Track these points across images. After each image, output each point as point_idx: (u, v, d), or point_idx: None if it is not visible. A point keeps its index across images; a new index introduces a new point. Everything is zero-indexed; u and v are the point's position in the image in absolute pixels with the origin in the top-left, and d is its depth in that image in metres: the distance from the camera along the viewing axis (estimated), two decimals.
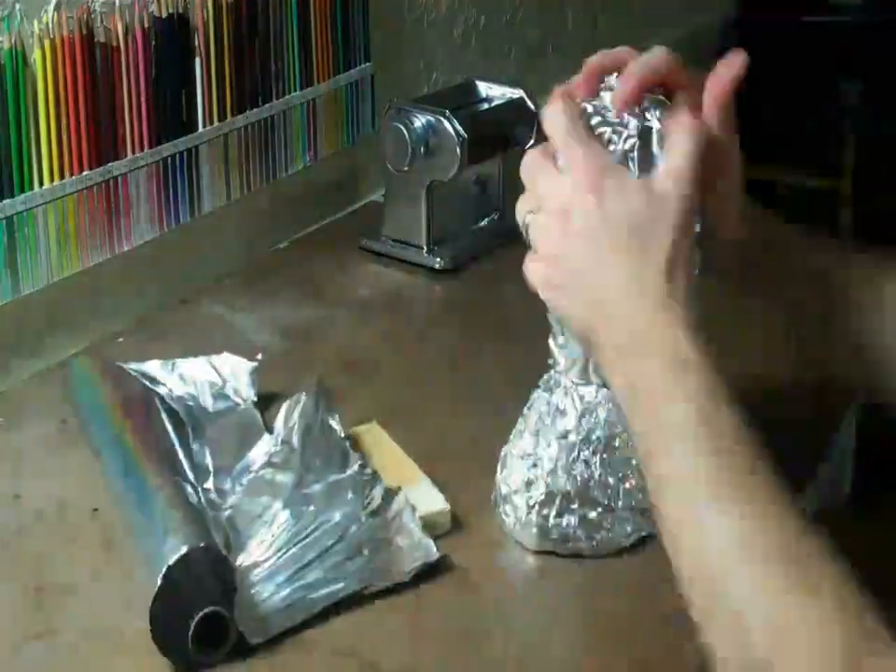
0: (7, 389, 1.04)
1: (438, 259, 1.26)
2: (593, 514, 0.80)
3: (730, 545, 0.61)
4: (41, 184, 1.03)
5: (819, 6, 2.72)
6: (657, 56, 0.73)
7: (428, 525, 0.81)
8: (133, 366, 0.97)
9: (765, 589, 0.59)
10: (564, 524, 0.80)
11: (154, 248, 1.16)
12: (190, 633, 0.70)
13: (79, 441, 0.95)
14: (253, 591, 0.75)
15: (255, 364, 0.98)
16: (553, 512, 0.80)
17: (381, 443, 0.91)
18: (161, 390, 0.94)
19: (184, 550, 0.71)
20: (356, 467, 0.82)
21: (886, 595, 0.61)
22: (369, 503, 0.80)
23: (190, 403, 0.93)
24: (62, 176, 1.04)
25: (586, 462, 0.80)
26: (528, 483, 0.81)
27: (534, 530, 0.81)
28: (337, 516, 0.78)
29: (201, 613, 0.70)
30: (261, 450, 0.88)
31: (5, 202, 1.00)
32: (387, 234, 1.29)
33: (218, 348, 1.10)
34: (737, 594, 0.60)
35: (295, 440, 0.84)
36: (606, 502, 0.80)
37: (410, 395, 1.03)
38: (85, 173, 1.06)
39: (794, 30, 2.66)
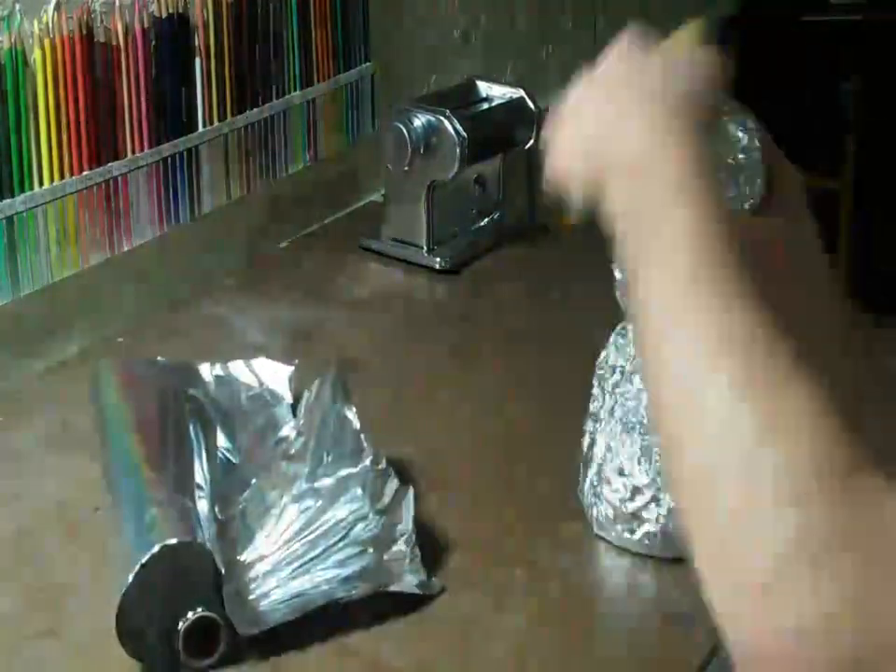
0: (7, 389, 1.04)
1: (438, 259, 1.26)
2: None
3: (714, 355, 0.55)
4: (41, 184, 1.03)
5: (819, 6, 2.71)
6: None
7: None
8: (171, 360, 0.96)
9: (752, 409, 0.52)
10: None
11: (154, 248, 1.16)
12: (180, 640, 0.70)
13: (79, 441, 0.95)
14: (253, 585, 0.75)
15: (293, 368, 0.97)
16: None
17: None
18: (197, 389, 0.93)
19: (156, 548, 0.70)
20: (367, 461, 0.81)
21: None
22: (378, 500, 0.79)
23: (224, 402, 0.92)
24: (62, 176, 1.04)
25: None
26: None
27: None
28: (344, 513, 0.78)
29: (188, 619, 0.70)
30: (279, 441, 0.87)
31: (5, 202, 1.00)
32: (387, 234, 1.29)
33: (218, 348, 1.10)
34: (719, 407, 0.54)
35: (310, 431, 0.84)
36: None
37: (410, 395, 1.03)
38: (85, 173, 1.06)
39: (794, 30, 2.66)
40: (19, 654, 0.74)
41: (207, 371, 0.96)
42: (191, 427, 0.87)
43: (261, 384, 0.95)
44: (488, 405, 1.01)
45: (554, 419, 0.94)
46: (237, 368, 0.96)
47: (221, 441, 0.88)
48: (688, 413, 0.55)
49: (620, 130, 0.68)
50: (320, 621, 0.75)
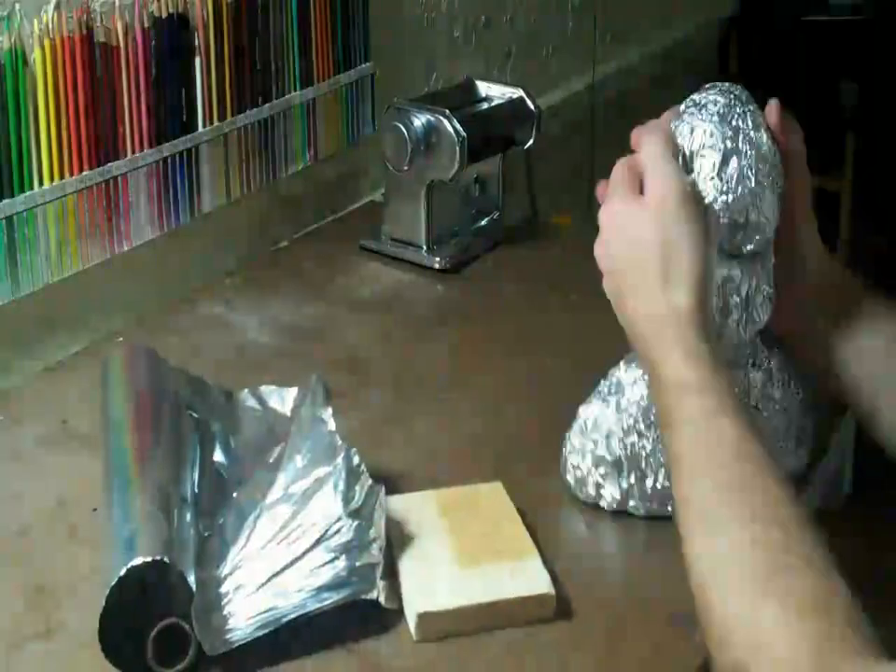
0: (7, 389, 1.04)
1: (438, 259, 1.26)
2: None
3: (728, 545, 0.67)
4: (41, 184, 1.03)
5: (819, 6, 2.72)
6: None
7: (529, 609, 0.76)
8: (183, 370, 0.95)
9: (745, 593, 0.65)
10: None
11: (154, 248, 1.16)
12: (149, 647, 0.70)
13: (79, 441, 0.95)
14: (224, 601, 0.74)
15: (297, 390, 0.93)
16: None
17: (499, 506, 0.84)
18: (203, 403, 0.92)
19: (134, 563, 0.70)
20: (340, 459, 0.79)
21: (885, 594, 0.61)
22: (350, 501, 0.77)
23: (227, 420, 0.91)
24: (62, 176, 1.04)
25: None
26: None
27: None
28: (316, 517, 0.77)
29: (156, 627, 0.70)
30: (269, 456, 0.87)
31: (5, 202, 1.00)
32: (387, 234, 1.29)
33: (218, 348, 1.10)
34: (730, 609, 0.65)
35: (288, 439, 0.84)
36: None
37: (409, 395, 1.03)
38: (85, 173, 1.06)
39: (794, 30, 2.66)
40: (18, 654, 0.74)
41: (214, 387, 0.95)
42: (191, 439, 0.86)
43: (264, 405, 0.94)
44: (488, 405, 1.02)
45: (554, 419, 0.94)
46: (243, 395, 0.95)
47: (218, 455, 0.87)
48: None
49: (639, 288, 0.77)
50: (321, 621, 0.75)
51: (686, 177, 0.77)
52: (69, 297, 1.09)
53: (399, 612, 0.76)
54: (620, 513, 0.86)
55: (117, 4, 1.06)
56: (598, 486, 0.86)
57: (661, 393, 0.75)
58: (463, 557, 0.78)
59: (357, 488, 0.78)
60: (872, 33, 2.62)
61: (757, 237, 0.81)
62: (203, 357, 1.09)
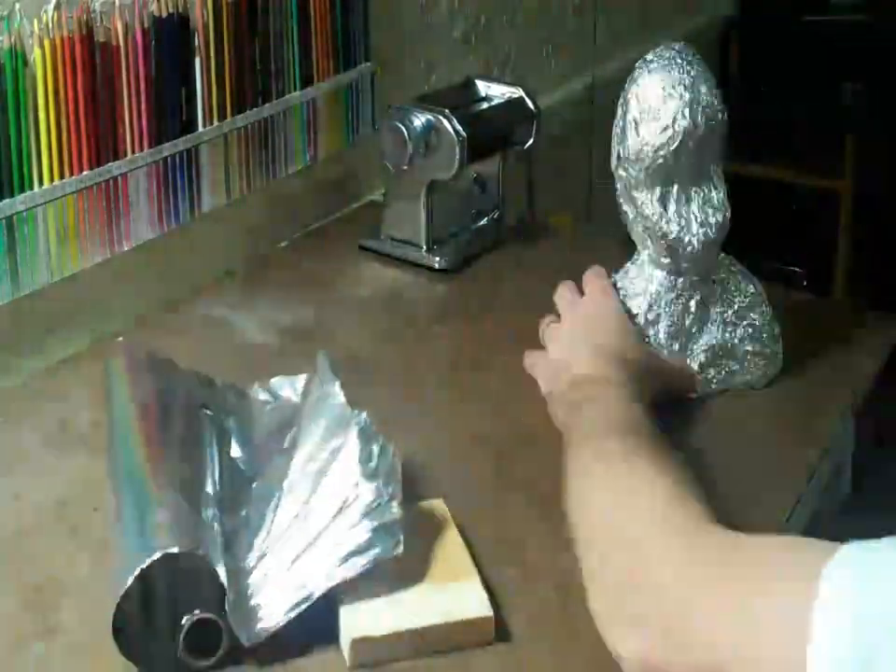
0: (7, 389, 1.04)
1: (438, 259, 1.26)
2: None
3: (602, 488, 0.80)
4: (41, 184, 1.03)
5: (819, 6, 2.72)
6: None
7: (467, 633, 0.74)
8: (188, 370, 0.94)
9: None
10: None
11: (154, 248, 1.16)
12: (180, 641, 0.70)
13: (79, 441, 0.95)
14: (253, 590, 0.74)
15: (305, 376, 0.93)
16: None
17: (440, 525, 0.82)
18: (215, 399, 0.91)
19: (157, 555, 0.69)
20: (352, 425, 0.79)
21: None
22: (367, 463, 0.76)
23: (240, 414, 0.91)
24: (61, 176, 1.04)
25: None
26: None
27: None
28: (335, 485, 0.76)
29: (188, 620, 0.69)
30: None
31: (5, 201, 1.00)
32: (387, 234, 1.29)
33: (218, 348, 1.10)
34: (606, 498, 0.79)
35: (301, 420, 0.84)
36: None
37: (410, 395, 1.03)
38: (85, 173, 1.06)
39: (794, 30, 2.66)
40: (18, 654, 0.74)
41: (225, 386, 0.94)
42: (206, 437, 0.85)
43: (276, 397, 0.94)
44: (488, 405, 1.02)
45: None
46: (255, 390, 0.94)
47: (235, 451, 0.87)
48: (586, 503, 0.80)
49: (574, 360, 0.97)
50: (321, 621, 0.75)
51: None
52: (69, 297, 1.09)
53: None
54: None
55: (117, 4, 1.06)
56: None
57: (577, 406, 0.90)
58: (400, 580, 0.76)
59: (373, 447, 0.78)
60: (872, 33, 2.62)
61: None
62: (204, 357, 1.08)
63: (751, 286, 1.02)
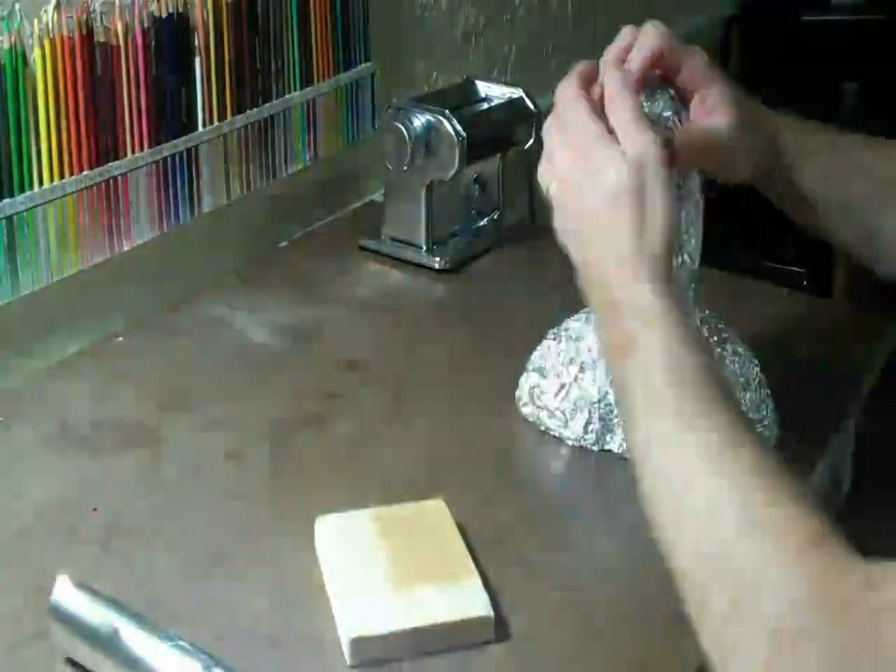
0: (7, 389, 1.04)
1: (438, 259, 1.26)
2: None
3: (695, 458, 0.66)
4: (41, 184, 1.03)
5: (819, 6, 2.71)
6: (648, 39, 0.89)
7: (467, 632, 0.74)
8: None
9: (731, 500, 0.63)
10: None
11: (154, 248, 1.16)
12: None
13: (79, 441, 0.95)
14: None
15: None
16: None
17: (440, 525, 0.82)
18: None
19: None
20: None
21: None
22: None
23: None
24: (62, 176, 1.04)
25: None
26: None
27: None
28: None
29: None
30: None
31: (5, 201, 1.00)
32: (387, 234, 1.29)
33: (218, 348, 1.10)
34: (701, 505, 0.64)
35: None
36: None
37: (410, 395, 1.03)
38: (85, 173, 1.06)
39: (794, 30, 2.66)
40: (18, 654, 0.74)
41: None
42: None
43: None
44: (488, 405, 1.01)
45: None
46: None
47: None
48: (681, 507, 0.65)
49: (600, 248, 0.77)
50: (322, 615, 0.75)
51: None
52: (69, 297, 1.09)
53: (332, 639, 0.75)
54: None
55: (117, 4, 1.06)
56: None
57: (622, 320, 0.73)
58: (399, 580, 0.76)
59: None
60: (872, 33, 2.62)
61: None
62: (204, 358, 1.09)
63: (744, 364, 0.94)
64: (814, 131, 0.95)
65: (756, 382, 0.93)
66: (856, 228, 0.92)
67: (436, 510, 0.83)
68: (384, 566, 0.77)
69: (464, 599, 0.75)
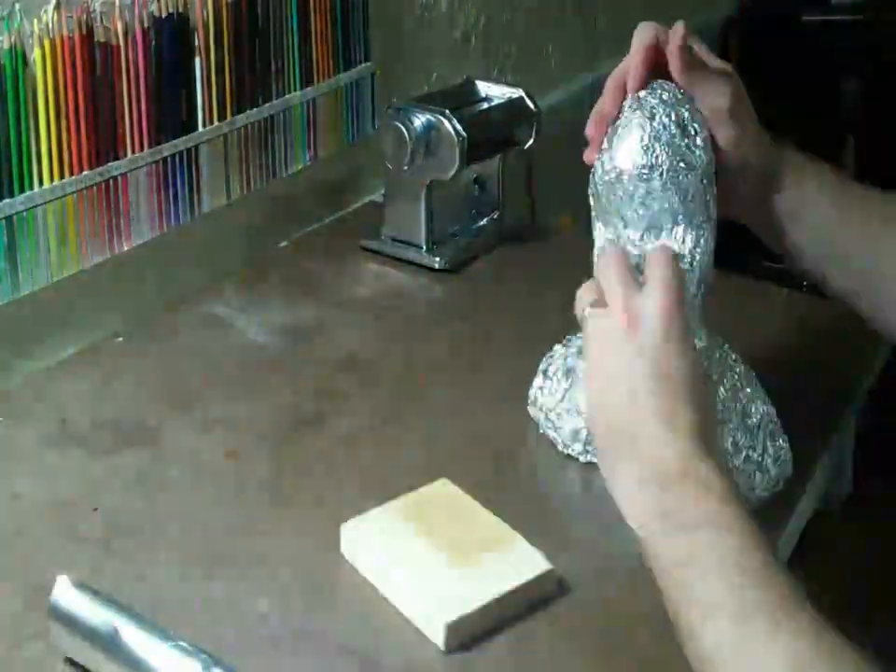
0: (6, 389, 1.04)
1: (438, 259, 1.26)
2: None
3: (790, 666, 0.61)
4: (41, 184, 1.03)
5: (819, 5, 2.71)
6: (644, 36, 0.86)
7: (534, 590, 0.77)
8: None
9: None
10: None
11: (154, 248, 1.16)
12: None
13: (79, 441, 0.95)
14: None
15: None
16: None
17: (457, 500, 0.83)
18: None
19: None
20: None
21: (885, 594, 0.61)
22: None
23: None
24: (62, 176, 1.04)
25: None
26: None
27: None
28: None
29: None
30: None
31: (5, 201, 1.00)
32: (387, 234, 1.29)
33: (219, 348, 1.10)
34: None
35: None
36: None
37: (410, 394, 1.03)
38: (85, 172, 1.06)
39: (794, 29, 2.66)
40: (18, 654, 0.74)
41: None
42: None
43: None
44: (488, 405, 1.01)
45: None
46: None
47: None
48: None
49: (642, 427, 0.70)
50: (325, 616, 0.75)
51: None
52: (69, 297, 1.09)
53: (399, 611, 0.76)
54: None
55: (117, 4, 1.06)
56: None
57: (672, 537, 0.67)
58: (452, 560, 0.78)
59: None
60: (872, 33, 2.62)
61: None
62: (204, 357, 1.09)
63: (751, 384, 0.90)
64: (816, 174, 0.89)
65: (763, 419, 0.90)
66: (855, 279, 0.89)
67: (445, 488, 0.85)
68: (429, 551, 0.79)
69: (522, 560, 0.78)
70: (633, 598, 0.79)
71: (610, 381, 0.73)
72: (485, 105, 1.32)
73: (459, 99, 1.30)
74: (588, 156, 0.85)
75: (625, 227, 0.83)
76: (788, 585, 0.63)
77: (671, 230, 0.82)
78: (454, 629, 0.74)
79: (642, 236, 0.82)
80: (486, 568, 0.77)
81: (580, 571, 0.81)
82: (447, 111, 1.22)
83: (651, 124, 0.82)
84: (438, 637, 0.74)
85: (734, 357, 0.90)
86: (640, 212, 0.82)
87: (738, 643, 0.62)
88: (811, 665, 0.60)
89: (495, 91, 1.33)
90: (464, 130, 1.21)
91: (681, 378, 0.71)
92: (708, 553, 0.65)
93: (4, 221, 1.00)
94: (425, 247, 1.27)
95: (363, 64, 1.38)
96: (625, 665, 0.75)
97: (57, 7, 1.01)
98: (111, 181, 1.09)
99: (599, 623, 0.78)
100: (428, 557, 0.78)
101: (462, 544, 0.79)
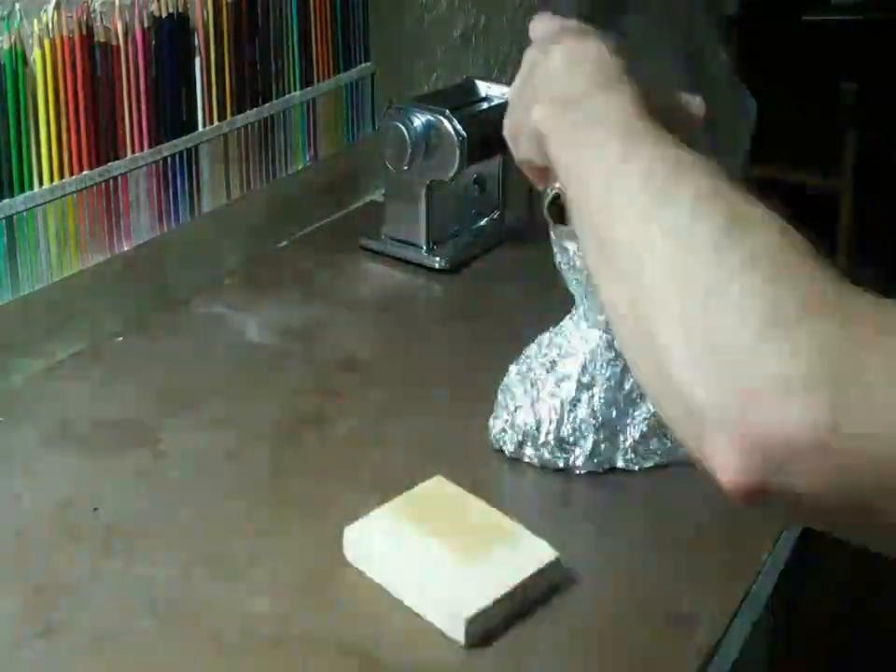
0: (7, 389, 1.04)
1: (438, 259, 1.26)
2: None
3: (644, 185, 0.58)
4: (41, 184, 1.03)
5: (819, 6, 2.72)
6: None
7: (542, 580, 0.78)
8: None
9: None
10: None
11: (154, 248, 1.16)
12: None
13: (79, 441, 0.95)
14: None
15: None
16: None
17: (454, 496, 0.84)
18: None
19: None
20: None
21: (885, 594, 0.61)
22: None
23: None
24: (62, 176, 1.04)
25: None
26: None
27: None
28: None
29: None
30: None
31: (5, 201, 1.00)
32: (387, 234, 1.29)
33: (219, 348, 1.10)
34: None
35: None
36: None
37: (409, 395, 1.03)
38: (85, 172, 1.06)
39: (794, 29, 2.66)
40: (19, 654, 0.74)
41: None
42: None
43: None
44: (488, 404, 1.01)
45: None
46: None
47: None
48: (647, 238, 0.56)
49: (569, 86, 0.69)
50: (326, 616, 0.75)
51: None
52: (69, 297, 1.09)
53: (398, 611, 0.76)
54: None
55: (117, 4, 1.06)
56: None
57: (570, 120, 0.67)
58: (461, 556, 0.78)
59: None
60: (872, 33, 2.62)
61: None
62: (204, 358, 1.09)
63: None
64: None
65: None
66: None
67: (440, 485, 0.85)
68: (438, 548, 0.79)
69: (530, 551, 0.78)
70: (633, 596, 0.79)
71: (522, 80, 0.76)
72: (485, 105, 1.32)
73: (459, 99, 1.30)
74: None
75: None
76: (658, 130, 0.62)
77: None
78: (473, 624, 0.74)
79: None
80: (496, 561, 0.78)
81: (580, 571, 0.81)
82: (447, 111, 1.22)
83: None
84: (458, 633, 0.75)
85: None
86: None
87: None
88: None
89: (495, 91, 1.33)
90: (464, 130, 1.21)
91: (587, 50, 0.70)
92: (599, 115, 0.64)
93: (4, 221, 1.00)
94: (425, 247, 1.27)
95: (363, 64, 1.38)
96: (630, 653, 0.75)
97: (57, 6, 1.01)
98: (111, 181, 1.09)
99: (602, 619, 0.78)
100: (439, 555, 0.78)
101: (469, 539, 0.79)
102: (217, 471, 0.92)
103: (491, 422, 0.93)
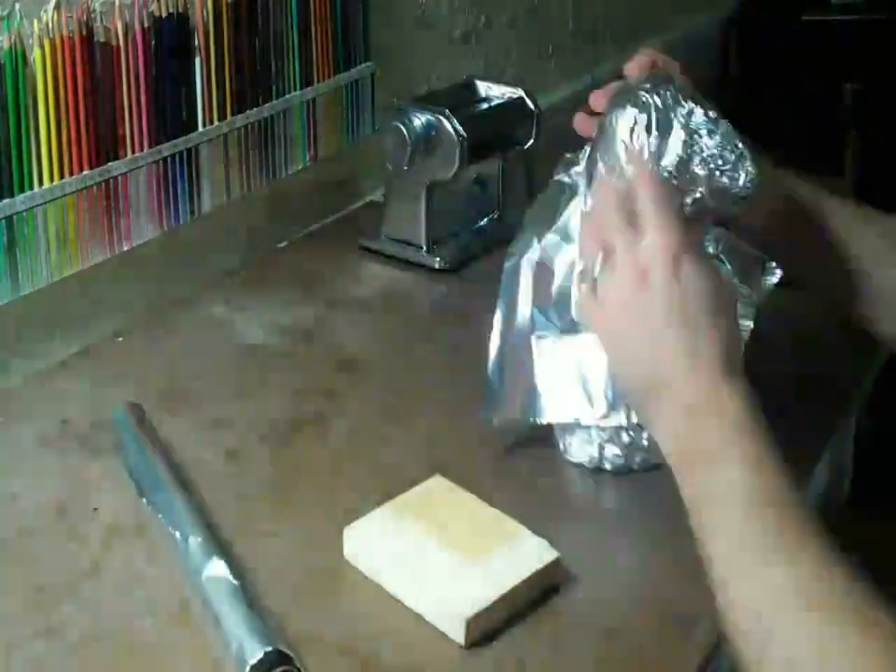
0: (7, 389, 1.04)
1: (438, 259, 1.26)
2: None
3: (783, 594, 0.63)
4: (41, 184, 1.03)
5: (819, 5, 2.71)
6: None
7: (543, 580, 0.78)
8: None
9: (820, 637, 0.61)
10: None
11: (154, 248, 1.16)
12: None
13: (79, 441, 0.95)
14: None
15: None
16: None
17: (455, 496, 0.84)
18: None
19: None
20: None
21: (885, 594, 0.61)
22: None
23: None
24: (62, 176, 1.04)
25: None
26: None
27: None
28: None
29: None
30: None
31: (5, 201, 1.00)
32: (387, 234, 1.29)
33: (218, 348, 1.10)
34: (789, 641, 0.62)
35: None
36: None
37: (409, 395, 1.03)
38: (85, 172, 1.06)
39: (794, 29, 2.66)
40: (18, 654, 0.74)
41: None
42: None
43: None
44: None
45: None
46: None
47: None
48: (768, 641, 0.63)
49: (666, 363, 0.73)
50: (326, 616, 0.75)
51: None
52: (69, 297, 1.09)
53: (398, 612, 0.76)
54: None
55: (117, 4, 1.06)
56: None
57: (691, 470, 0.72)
58: (461, 556, 0.78)
59: None
60: (872, 33, 2.62)
61: None
62: (203, 357, 1.09)
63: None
64: (832, 209, 0.92)
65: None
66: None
67: (440, 484, 0.85)
68: (438, 548, 0.79)
69: (530, 550, 0.79)
70: (633, 596, 0.79)
71: (627, 336, 0.75)
72: (485, 105, 1.32)
73: (459, 99, 1.30)
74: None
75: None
76: (797, 515, 0.66)
77: None
78: (473, 624, 0.74)
79: None
80: (497, 561, 0.78)
81: (580, 571, 0.81)
82: (447, 111, 1.22)
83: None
84: (458, 633, 0.74)
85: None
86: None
87: (743, 568, 0.65)
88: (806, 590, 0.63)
89: (495, 91, 1.33)
90: (464, 130, 1.21)
91: (697, 309, 0.73)
92: (723, 488, 0.68)
93: (4, 221, 1.00)
94: (425, 247, 1.27)
95: (363, 64, 1.38)
96: (630, 653, 0.75)
97: (57, 6, 1.01)
98: (111, 181, 1.09)
99: (601, 619, 0.78)
100: (439, 555, 0.78)
101: (469, 539, 0.79)
102: (217, 471, 0.92)
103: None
